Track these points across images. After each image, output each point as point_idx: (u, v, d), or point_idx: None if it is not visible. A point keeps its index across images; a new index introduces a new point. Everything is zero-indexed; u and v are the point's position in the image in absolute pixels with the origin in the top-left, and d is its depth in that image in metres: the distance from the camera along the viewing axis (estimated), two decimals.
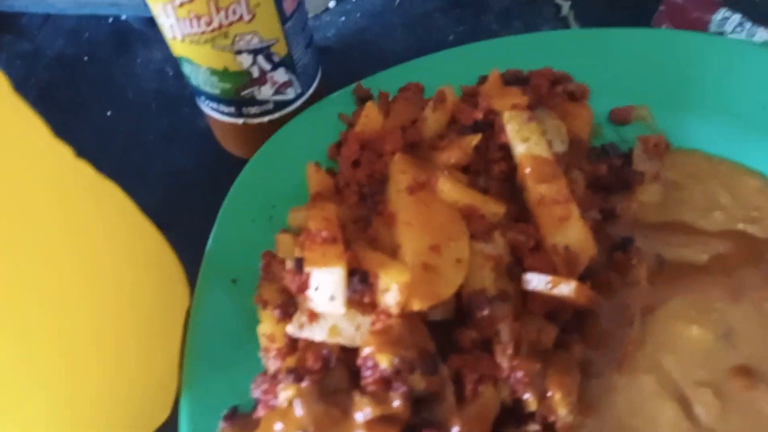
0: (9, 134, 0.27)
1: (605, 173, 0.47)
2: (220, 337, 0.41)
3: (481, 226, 0.40)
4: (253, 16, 0.42)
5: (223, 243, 0.44)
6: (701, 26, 0.56)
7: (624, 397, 0.39)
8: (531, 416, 0.38)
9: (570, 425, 0.37)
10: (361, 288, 0.36)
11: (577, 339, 0.40)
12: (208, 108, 0.50)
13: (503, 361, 0.36)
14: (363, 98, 0.51)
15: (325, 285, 0.36)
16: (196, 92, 0.49)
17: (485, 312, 0.37)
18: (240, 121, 0.49)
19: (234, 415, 0.38)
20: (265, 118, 0.49)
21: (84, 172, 0.34)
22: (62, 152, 0.32)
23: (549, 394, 0.37)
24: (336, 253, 0.36)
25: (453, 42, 0.59)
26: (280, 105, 0.49)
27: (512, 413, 0.38)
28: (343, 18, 0.63)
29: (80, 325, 0.32)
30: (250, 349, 0.40)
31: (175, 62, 0.49)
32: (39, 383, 0.30)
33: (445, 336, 0.38)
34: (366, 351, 0.34)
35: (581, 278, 0.41)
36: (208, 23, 0.42)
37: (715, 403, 0.38)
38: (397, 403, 0.34)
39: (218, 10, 0.41)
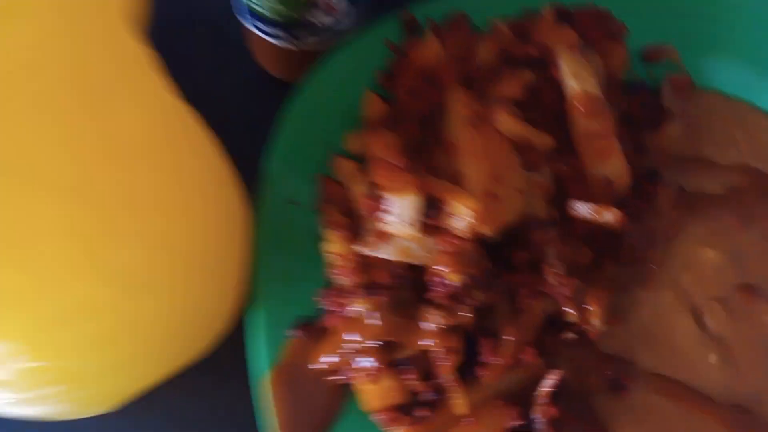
0: None
1: (636, 109, 0.50)
2: (284, 254, 0.44)
3: (532, 157, 0.44)
4: None
5: (278, 164, 0.46)
6: None
7: (647, 309, 0.45)
8: (568, 325, 0.43)
9: (600, 333, 0.43)
10: (432, 213, 0.39)
11: (609, 260, 0.46)
12: (258, 30, 0.50)
13: (550, 278, 0.41)
14: (410, 26, 0.51)
15: (398, 209, 0.39)
16: (246, 14, 0.49)
17: (537, 235, 0.41)
18: (291, 45, 0.50)
19: (303, 324, 0.42)
20: (316, 43, 0.50)
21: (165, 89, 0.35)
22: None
23: (586, 307, 0.42)
24: (408, 180, 0.40)
25: None
26: (332, 31, 0.50)
27: (552, 322, 0.44)
28: None
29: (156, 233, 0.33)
30: (312, 266, 0.44)
31: None
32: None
33: (493, 255, 0.42)
34: (438, 269, 0.39)
35: (614, 206, 0.46)
36: None
37: (722, 314, 0.44)
38: (464, 315, 0.38)
39: None
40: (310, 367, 0.41)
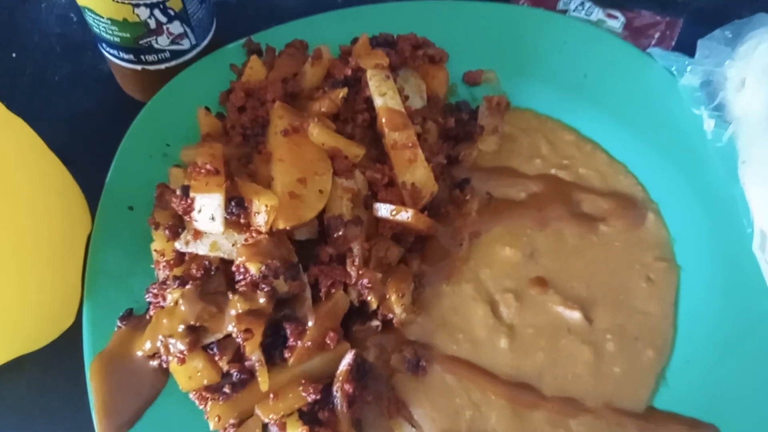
0: None
1: (453, 126, 0.57)
2: (118, 254, 0.48)
3: (344, 165, 0.49)
4: None
5: (121, 175, 0.51)
6: (551, 3, 0.67)
7: (448, 300, 0.50)
8: (374, 314, 0.48)
9: (404, 321, 0.48)
10: (237, 211, 0.44)
11: (416, 256, 0.51)
12: (109, 54, 0.55)
13: (352, 270, 0.46)
14: (253, 51, 0.57)
15: (207, 208, 0.44)
16: (98, 39, 0.54)
17: (340, 232, 0.46)
18: (139, 67, 0.55)
19: (129, 316, 0.46)
20: (162, 65, 0.55)
21: None
22: None
23: (388, 297, 0.47)
24: (216, 182, 0.44)
25: (341, 4, 0.66)
26: (175, 54, 0.55)
27: (359, 312, 0.48)
28: None
29: None
30: (143, 265, 0.48)
31: (78, 9, 0.53)
32: None
33: (309, 252, 0.47)
34: (239, 260, 0.43)
35: (425, 209, 0.52)
36: None
37: (515, 304, 0.49)
38: (262, 300, 0.43)
39: None
40: (136, 353, 0.45)
